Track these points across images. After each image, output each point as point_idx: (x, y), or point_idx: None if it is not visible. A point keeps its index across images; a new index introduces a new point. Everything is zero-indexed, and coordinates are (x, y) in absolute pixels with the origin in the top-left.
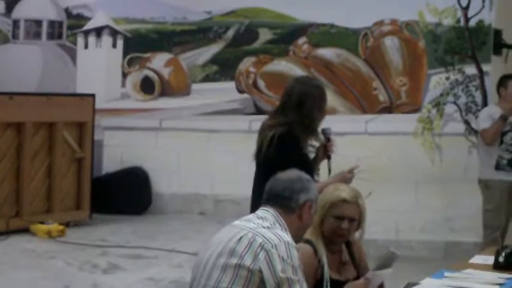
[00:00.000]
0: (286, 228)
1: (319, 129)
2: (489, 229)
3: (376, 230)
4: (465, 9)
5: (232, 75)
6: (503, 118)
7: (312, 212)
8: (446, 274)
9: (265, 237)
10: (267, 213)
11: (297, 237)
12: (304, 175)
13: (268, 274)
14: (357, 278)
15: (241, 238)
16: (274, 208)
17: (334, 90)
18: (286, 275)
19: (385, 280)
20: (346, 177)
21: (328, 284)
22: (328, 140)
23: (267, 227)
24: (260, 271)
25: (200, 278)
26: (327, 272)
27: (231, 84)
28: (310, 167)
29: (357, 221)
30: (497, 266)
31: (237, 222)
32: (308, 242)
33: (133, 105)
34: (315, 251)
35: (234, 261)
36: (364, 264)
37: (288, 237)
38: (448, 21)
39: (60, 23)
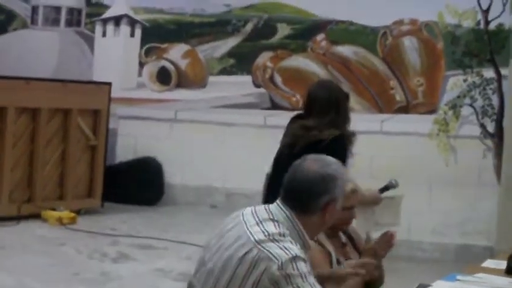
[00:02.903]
0: (302, 231)
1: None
2: None
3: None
4: (485, 11)
5: (249, 69)
6: None
7: (337, 209)
8: (458, 277)
9: (270, 253)
10: (281, 214)
11: (318, 233)
12: (329, 170)
13: None
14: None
15: (245, 255)
16: (291, 209)
17: (350, 88)
18: (293, 285)
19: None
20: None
21: None
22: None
23: (275, 239)
24: None
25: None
26: (334, 262)
27: (247, 78)
28: None
29: None
30: (509, 271)
31: (249, 217)
32: None
33: (149, 95)
34: (320, 244)
35: (239, 278)
36: (362, 244)
37: (295, 249)
38: (467, 23)
39: (79, 11)
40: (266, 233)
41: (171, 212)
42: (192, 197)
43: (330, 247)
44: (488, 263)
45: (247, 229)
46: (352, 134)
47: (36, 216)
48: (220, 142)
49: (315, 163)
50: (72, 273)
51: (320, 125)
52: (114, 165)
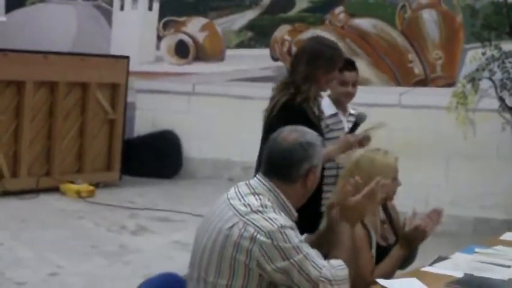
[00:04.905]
0: (285, 200)
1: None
2: None
3: (405, 203)
4: None
5: (267, 43)
6: None
7: (317, 175)
8: (476, 250)
9: (256, 226)
10: (261, 187)
11: (301, 202)
12: (307, 138)
13: (268, 267)
14: (396, 240)
15: (232, 227)
16: (272, 181)
17: (369, 60)
18: (290, 260)
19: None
20: (350, 141)
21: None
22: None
23: (258, 210)
24: (258, 265)
25: (199, 265)
26: (374, 247)
27: (265, 52)
28: None
29: None
30: None
31: (232, 193)
32: None
33: (167, 68)
34: (363, 224)
35: (229, 253)
36: (399, 224)
37: (280, 218)
38: None
39: None
40: (248, 206)
41: (188, 185)
42: (209, 170)
43: (372, 228)
44: (507, 236)
45: (231, 205)
46: (307, 98)
47: (54, 189)
48: (237, 115)
49: (291, 133)
50: (90, 245)
51: (276, 93)
52: (132, 139)
